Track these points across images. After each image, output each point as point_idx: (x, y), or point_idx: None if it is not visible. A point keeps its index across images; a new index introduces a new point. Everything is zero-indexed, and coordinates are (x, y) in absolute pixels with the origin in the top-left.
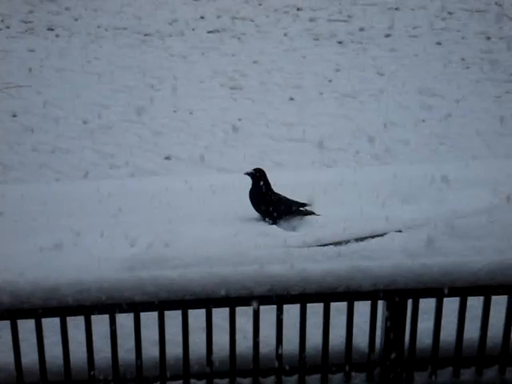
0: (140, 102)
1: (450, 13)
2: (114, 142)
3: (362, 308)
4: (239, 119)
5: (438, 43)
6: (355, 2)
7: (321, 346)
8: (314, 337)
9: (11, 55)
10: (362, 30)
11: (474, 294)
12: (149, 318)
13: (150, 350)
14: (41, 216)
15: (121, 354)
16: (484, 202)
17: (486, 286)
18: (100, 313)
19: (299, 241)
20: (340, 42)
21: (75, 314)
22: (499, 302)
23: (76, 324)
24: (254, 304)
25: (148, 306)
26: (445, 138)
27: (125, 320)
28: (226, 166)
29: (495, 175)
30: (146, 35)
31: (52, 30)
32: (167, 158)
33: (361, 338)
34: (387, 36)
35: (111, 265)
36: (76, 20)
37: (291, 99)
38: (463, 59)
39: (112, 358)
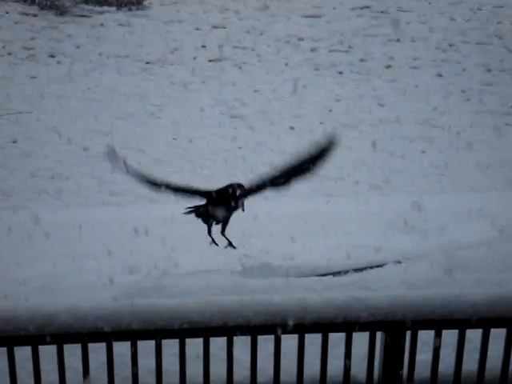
0: (140, 129)
1: (450, 45)
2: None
3: (361, 339)
4: (239, 148)
5: (439, 75)
6: (356, 33)
7: (319, 377)
8: (312, 367)
9: (12, 81)
10: (362, 60)
11: (473, 326)
12: (146, 347)
13: (147, 379)
14: (39, 242)
15: (117, 382)
16: (483, 233)
17: (485, 319)
18: (97, 340)
19: (297, 270)
20: (340, 73)
21: (72, 342)
22: (498, 335)
23: (73, 351)
24: (250, 331)
25: (145, 334)
26: (444, 170)
27: (122, 348)
28: None
29: (495, 207)
30: (147, 63)
31: (53, 56)
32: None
33: (359, 369)
34: (388, 67)
35: (109, 292)
36: (78, 47)
37: (291, 128)
38: (463, 91)
39: None
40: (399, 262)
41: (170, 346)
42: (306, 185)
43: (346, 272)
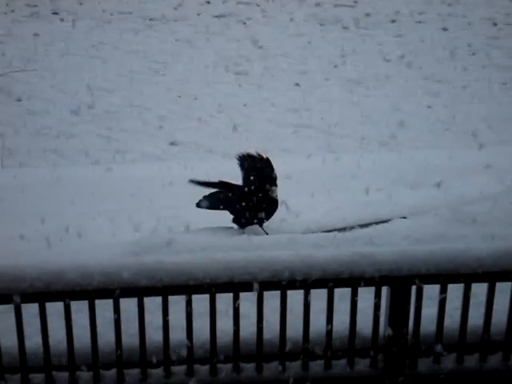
0: (145, 86)
1: None
2: (118, 127)
3: (366, 294)
4: (244, 105)
5: (444, 29)
6: None
7: (324, 332)
8: (318, 323)
9: (16, 39)
10: (367, 15)
11: (479, 280)
12: (152, 303)
13: (154, 335)
14: (45, 201)
15: (124, 338)
16: (489, 188)
17: (491, 273)
18: (104, 297)
19: (303, 227)
20: (346, 28)
21: (79, 299)
22: (504, 289)
23: (80, 308)
24: (256, 287)
25: (152, 290)
26: (450, 124)
27: (128, 305)
28: (232, 151)
29: (501, 162)
30: (150, 20)
31: (57, 14)
32: (172, 143)
33: (364, 324)
34: (393, 22)
35: (115, 249)
36: (81, 4)
37: (296, 85)
38: (469, 45)
39: (116, 343)
40: (405, 218)
41: (177, 303)
42: (312, 141)
43: (352, 228)
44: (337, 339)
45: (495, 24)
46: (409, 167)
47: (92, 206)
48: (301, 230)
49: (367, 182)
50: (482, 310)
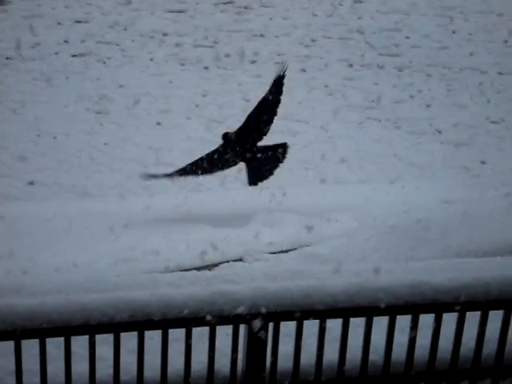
0: (1, 126)
1: (313, 40)
2: None
3: (225, 332)
4: (105, 144)
5: (302, 70)
6: (220, 29)
7: (183, 372)
8: (176, 362)
9: None
10: (227, 56)
11: (333, 316)
12: (4, 348)
13: (6, 380)
14: None
15: None
16: (345, 225)
17: (345, 309)
18: None
19: (161, 266)
20: (206, 68)
21: None
22: (358, 324)
23: None
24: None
25: (3, 335)
26: (309, 164)
27: None
28: (92, 191)
29: (357, 200)
30: (7, 59)
31: None
32: (31, 183)
33: (223, 363)
34: (253, 62)
35: None
36: None
37: (158, 124)
38: (326, 86)
39: None
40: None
41: (31, 346)
42: (174, 181)
43: (210, 266)
44: (195, 378)
45: (351, 65)
46: (266, 205)
47: None
48: (159, 269)
49: (223, 221)
50: (337, 345)
